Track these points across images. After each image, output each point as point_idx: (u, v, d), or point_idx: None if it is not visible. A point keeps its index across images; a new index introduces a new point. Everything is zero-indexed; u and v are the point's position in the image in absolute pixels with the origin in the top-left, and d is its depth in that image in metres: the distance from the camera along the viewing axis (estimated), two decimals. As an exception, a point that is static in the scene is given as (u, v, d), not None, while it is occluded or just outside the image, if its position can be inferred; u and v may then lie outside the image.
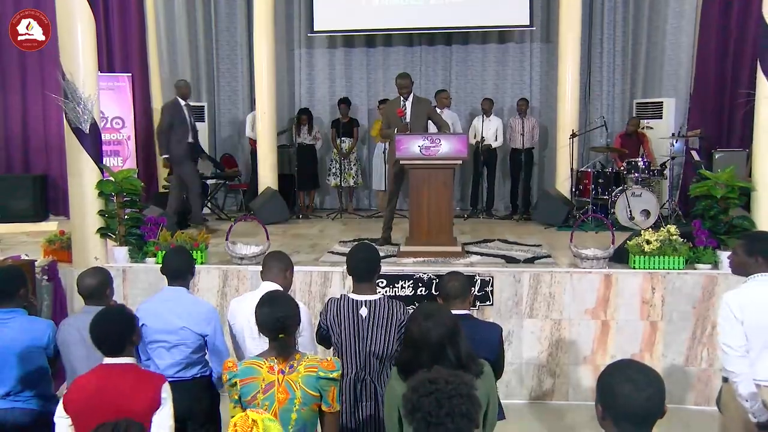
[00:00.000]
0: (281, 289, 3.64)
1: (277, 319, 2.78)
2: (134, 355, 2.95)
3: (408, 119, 6.87)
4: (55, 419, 2.80)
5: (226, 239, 6.10)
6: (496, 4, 9.86)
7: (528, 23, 9.91)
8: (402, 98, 7.01)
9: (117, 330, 2.86)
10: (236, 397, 2.79)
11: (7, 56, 9.88)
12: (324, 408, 2.85)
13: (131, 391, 2.75)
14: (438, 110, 9.24)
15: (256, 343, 3.52)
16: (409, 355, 2.68)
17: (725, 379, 3.44)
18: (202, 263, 5.95)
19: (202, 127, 10.36)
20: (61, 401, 2.80)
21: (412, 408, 1.97)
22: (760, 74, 5.47)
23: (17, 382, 3.52)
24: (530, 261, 6.23)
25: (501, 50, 10.54)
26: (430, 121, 7.20)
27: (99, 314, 2.95)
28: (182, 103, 8.23)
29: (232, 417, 2.38)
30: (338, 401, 2.90)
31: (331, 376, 2.81)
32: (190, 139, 8.30)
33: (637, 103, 10.00)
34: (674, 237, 5.74)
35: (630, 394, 1.94)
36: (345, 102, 10.09)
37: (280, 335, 2.79)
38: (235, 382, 2.80)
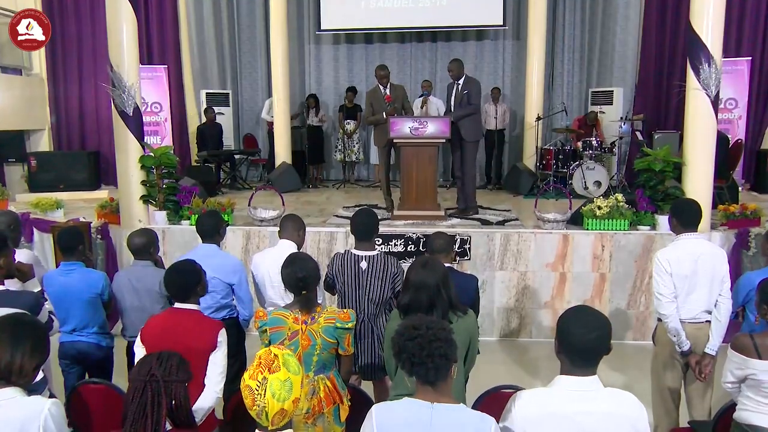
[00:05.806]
0: (296, 245, 3.68)
1: (299, 278, 2.76)
2: (199, 303, 2.91)
3: (395, 103, 6.72)
4: (135, 348, 2.82)
5: (249, 205, 6.10)
6: (475, 7, 9.74)
7: (501, 23, 9.80)
8: (382, 86, 6.76)
9: (186, 280, 2.85)
10: (266, 342, 2.77)
11: (66, 52, 9.76)
12: (340, 352, 2.86)
13: (193, 333, 2.74)
14: (426, 95, 9.23)
15: (275, 290, 3.55)
16: (410, 297, 2.67)
17: (659, 320, 3.51)
18: (229, 225, 5.94)
19: (228, 111, 10.31)
20: (139, 333, 2.81)
21: (398, 350, 1.96)
22: (689, 69, 5.45)
23: (80, 321, 3.58)
24: (501, 223, 6.24)
25: (478, 46, 10.42)
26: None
27: (174, 266, 2.93)
28: None
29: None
30: (352, 345, 2.90)
31: (346, 326, 2.81)
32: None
33: (592, 92, 9.93)
34: (621, 203, 5.77)
35: (581, 333, 1.96)
36: (352, 90, 10.00)
37: (303, 292, 2.78)
38: (265, 329, 2.79)
